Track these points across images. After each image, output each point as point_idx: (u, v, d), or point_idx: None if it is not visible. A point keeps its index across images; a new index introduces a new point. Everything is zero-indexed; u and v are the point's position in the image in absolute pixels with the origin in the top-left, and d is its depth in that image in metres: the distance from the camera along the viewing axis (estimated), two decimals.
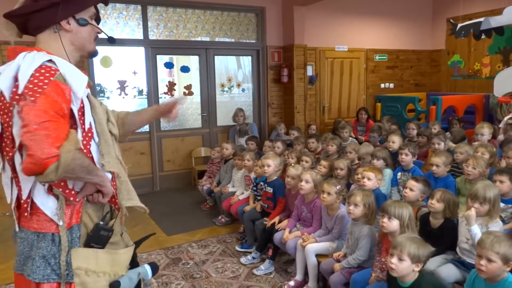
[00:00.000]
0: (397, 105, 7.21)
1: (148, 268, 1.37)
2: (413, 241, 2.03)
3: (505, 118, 5.52)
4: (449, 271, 2.48)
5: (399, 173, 3.84)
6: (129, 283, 1.29)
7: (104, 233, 1.31)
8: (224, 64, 6.89)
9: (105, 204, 1.39)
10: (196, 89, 6.64)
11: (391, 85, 8.12)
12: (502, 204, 2.72)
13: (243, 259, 3.79)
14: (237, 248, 4.08)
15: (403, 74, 8.26)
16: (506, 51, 7.32)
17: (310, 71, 7.14)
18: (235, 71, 7.05)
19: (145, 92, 6.18)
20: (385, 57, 7.99)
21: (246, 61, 7.06)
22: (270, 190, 3.93)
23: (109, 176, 1.35)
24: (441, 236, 2.65)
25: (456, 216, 2.80)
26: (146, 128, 6.22)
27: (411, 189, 3.03)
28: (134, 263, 1.37)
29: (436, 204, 2.70)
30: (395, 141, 4.55)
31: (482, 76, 7.70)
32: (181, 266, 3.77)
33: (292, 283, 3.32)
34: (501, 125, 5.37)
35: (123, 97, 6.03)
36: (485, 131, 4.68)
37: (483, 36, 6.29)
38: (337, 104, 7.66)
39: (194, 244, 4.28)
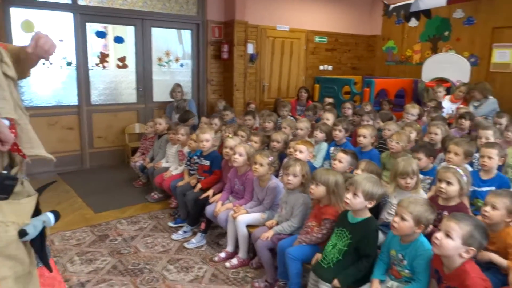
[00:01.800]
0: (334, 86, 7.44)
1: (50, 215, 1.31)
2: (368, 180, 2.20)
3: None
4: None
5: (332, 148, 4.00)
6: (34, 230, 1.24)
7: (8, 182, 1.21)
8: (162, 38, 6.63)
9: (5, 152, 1.27)
10: (131, 62, 6.34)
11: (330, 67, 8.35)
12: (421, 176, 2.89)
13: (174, 236, 3.73)
14: (170, 224, 4.00)
15: (341, 57, 8.52)
16: (435, 39, 7.81)
17: (250, 49, 7.11)
18: (174, 45, 6.82)
19: (74, 63, 5.77)
20: (325, 40, 8.17)
21: (186, 35, 6.85)
22: (207, 163, 3.88)
23: (6, 122, 1.23)
24: None
25: None
26: (74, 101, 5.84)
27: (339, 161, 3.15)
28: (37, 211, 1.29)
29: (360, 174, 2.77)
30: (329, 118, 4.73)
31: (413, 62, 8.16)
32: (108, 242, 3.63)
33: (223, 254, 3.32)
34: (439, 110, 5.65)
35: (48, 67, 5.58)
36: (414, 111, 5.04)
37: (415, 22, 6.63)
38: (277, 83, 7.73)
39: (123, 220, 4.14)
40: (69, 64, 5.76)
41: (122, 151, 6.29)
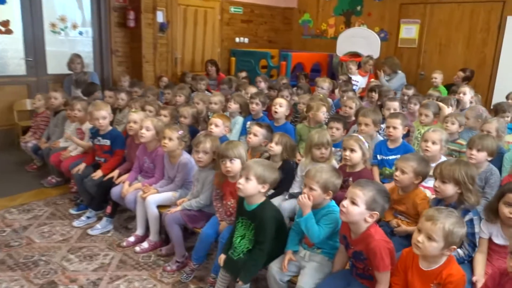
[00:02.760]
0: (251, 60, 7.43)
1: None
2: (260, 163, 2.19)
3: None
4: (290, 204, 2.76)
5: (249, 122, 3.95)
6: None
7: None
8: (56, 0, 5.97)
9: None
10: (16, 27, 5.62)
11: (246, 40, 8.30)
12: (333, 149, 3.00)
13: (76, 222, 3.45)
14: (71, 211, 3.69)
15: (257, 29, 8.51)
16: (348, 14, 8.15)
17: (160, 17, 6.74)
18: (71, 10, 6.19)
19: None
20: (240, 10, 8.07)
21: None
22: (106, 142, 3.61)
23: None
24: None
25: (294, 158, 3.06)
26: None
27: (254, 134, 3.14)
28: None
29: (275, 147, 2.87)
30: (247, 91, 4.70)
31: (328, 36, 8.46)
32: None
33: (132, 238, 3.17)
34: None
35: None
36: (325, 85, 5.21)
37: None
38: (191, 56, 7.49)
39: (13, 209, 3.73)
40: None
41: (10, 131, 5.63)
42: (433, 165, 2.34)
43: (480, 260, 1.98)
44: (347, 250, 1.94)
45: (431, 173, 2.29)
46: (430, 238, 1.58)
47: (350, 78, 6.08)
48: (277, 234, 2.17)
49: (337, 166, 2.78)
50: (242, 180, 2.12)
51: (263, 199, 2.18)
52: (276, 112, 3.75)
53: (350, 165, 2.61)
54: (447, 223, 1.57)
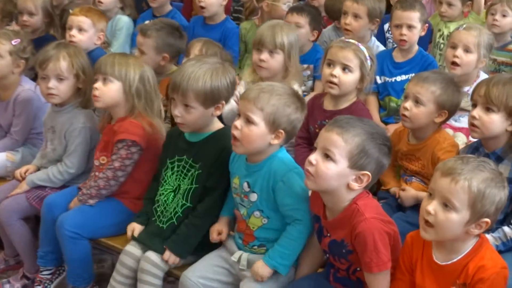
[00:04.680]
0: None
1: None
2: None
3: None
4: None
5: (147, 23, 3.12)
6: None
7: None
8: None
9: None
10: None
11: None
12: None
13: None
14: None
15: None
16: None
17: None
18: None
19: None
20: None
21: None
22: None
23: None
24: None
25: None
26: None
27: None
28: None
29: None
30: None
31: None
32: None
33: None
34: None
35: None
36: None
37: None
38: None
39: None
40: None
41: None
42: (468, 89, 2.03)
43: None
44: (321, 240, 1.51)
45: (464, 104, 2.04)
46: (447, 205, 1.24)
47: None
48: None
49: (300, 91, 2.17)
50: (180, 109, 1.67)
51: (218, 125, 1.77)
52: (201, 1, 2.86)
53: (335, 94, 1.98)
54: (475, 180, 1.23)
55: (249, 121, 1.47)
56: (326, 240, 1.48)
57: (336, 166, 1.35)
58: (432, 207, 1.26)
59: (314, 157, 1.36)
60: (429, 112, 1.79)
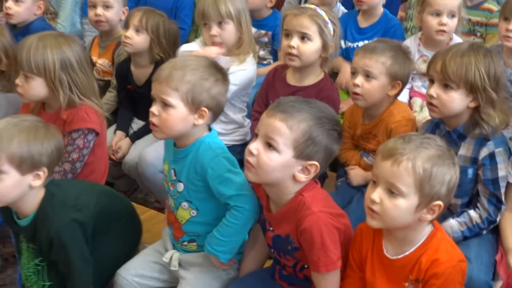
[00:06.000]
0: None
1: None
2: None
3: None
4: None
5: None
6: None
7: None
8: None
9: None
10: None
11: None
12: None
13: None
14: None
15: None
16: None
17: None
18: None
19: None
20: None
21: None
22: None
23: None
24: None
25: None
26: None
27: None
28: None
29: (134, 37, 2.21)
30: None
31: None
32: None
33: None
34: None
35: None
36: None
37: None
38: None
39: None
40: None
41: None
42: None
43: (511, 222, 1.55)
44: (265, 233, 1.42)
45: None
46: (392, 191, 1.15)
47: None
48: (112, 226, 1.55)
49: (253, 66, 2.03)
50: None
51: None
52: None
53: (297, 66, 1.83)
54: (419, 159, 1.14)
55: (166, 105, 1.32)
56: (270, 234, 1.40)
57: (280, 157, 1.24)
58: (376, 195, 1.18)
59: (255, 146, 1.25)
60: (382, 85, 1.68)
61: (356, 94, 1.66)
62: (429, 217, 1.17)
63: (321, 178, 1.67)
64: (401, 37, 2.32)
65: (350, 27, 2.36)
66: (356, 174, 1.76)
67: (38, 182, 1.34)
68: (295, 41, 1.74)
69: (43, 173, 1.33)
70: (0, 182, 1.29)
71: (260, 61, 2.42)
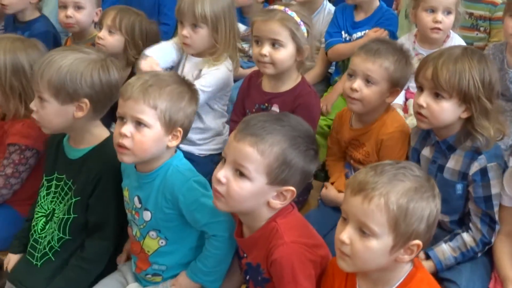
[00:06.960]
0: None
1: None
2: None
3: None
4: None
5: None
6: None
7: None
8: None
9: None
10: None
11: None
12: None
13: None
14: None
15: None
16: None
17: None
18: None
19: None
20: None
21: None
22: None
23: None
24: None
25: None
26: None
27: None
28: None
29: (107, 37, 2.16)
30: None
31: None
32: None
33: None
34: None
35: None
36: None
37: None
38: None
39: None
40: None
41: None
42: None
43: (507, 248, 1.44)
44: (239, 259, 1.32)
45: None
46: (364, 231, 1.03)
47: None
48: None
49: (229, 68, 1.88)
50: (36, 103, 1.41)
51: (104, 134, 1.46)
52: None
53: (272, 74, 1.70)
54: (392, 195, 1.01)
55: (140, 125, 1.23)
56: (244, 261, 1.32)
57: (252, 185, 1.15)
58: (345, 235, 1.06)
59: (223, 174, 1.15)
60: (381, 91, 1.57)
61: (353, 99, 1.56)
62: (407, 257, 1.06)
63: (305, 189, 1.59)
64: (394, 28, 2.28)
65: (347, 20, 2.30)
66: (326, 196, 1.65)
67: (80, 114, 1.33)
68: (266, 49, 1.63)
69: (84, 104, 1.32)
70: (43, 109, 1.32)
71: (251, 60, 2.31)
